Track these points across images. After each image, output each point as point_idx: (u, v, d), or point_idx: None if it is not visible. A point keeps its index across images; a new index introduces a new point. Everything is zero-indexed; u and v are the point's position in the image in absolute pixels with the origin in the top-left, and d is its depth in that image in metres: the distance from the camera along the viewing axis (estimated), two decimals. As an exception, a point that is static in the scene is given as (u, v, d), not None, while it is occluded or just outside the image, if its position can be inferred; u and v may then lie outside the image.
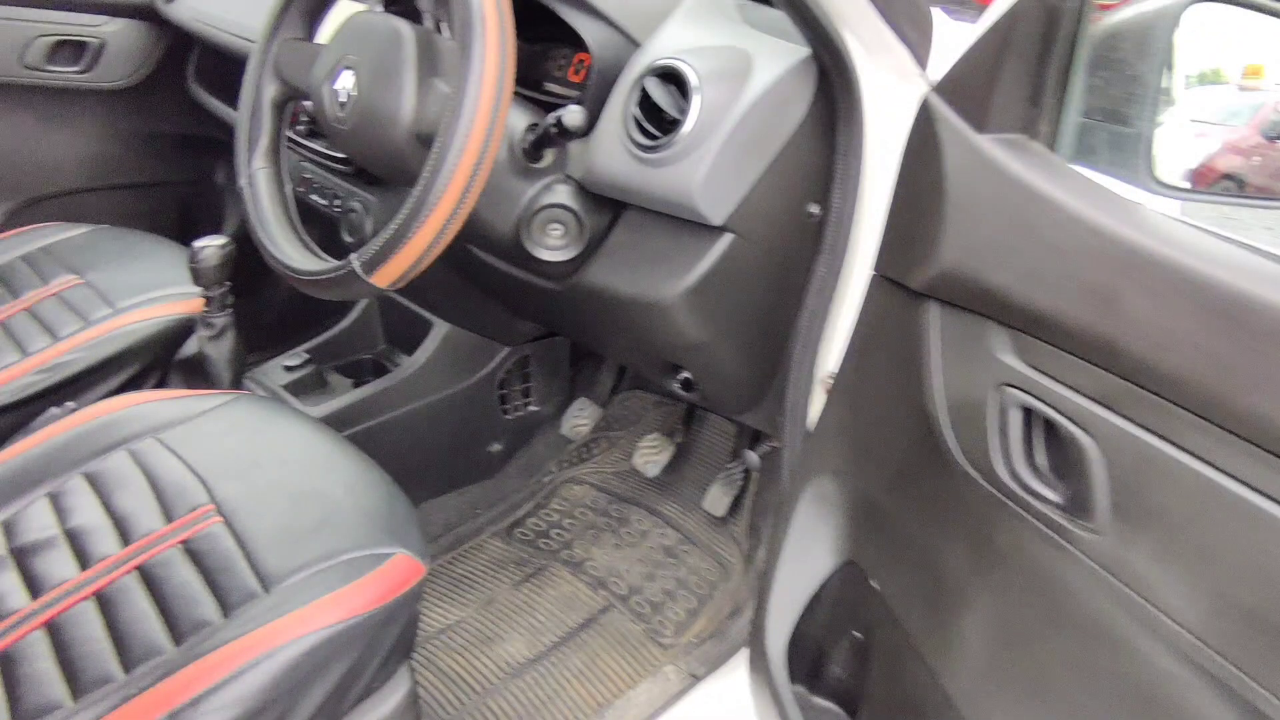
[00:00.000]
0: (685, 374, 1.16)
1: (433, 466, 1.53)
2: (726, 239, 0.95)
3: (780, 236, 0.98)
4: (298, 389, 1.42)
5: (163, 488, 1.01)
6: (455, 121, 0.80)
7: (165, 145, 1.88)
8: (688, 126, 0.90)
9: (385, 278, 0.87)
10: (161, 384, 1.36)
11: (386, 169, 0.97)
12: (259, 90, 1.06)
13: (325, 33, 1.07)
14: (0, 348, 1.33)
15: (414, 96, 0.88)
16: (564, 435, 1.64)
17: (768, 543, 1.35)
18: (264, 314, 1.77)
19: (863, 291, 0.89)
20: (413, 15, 0.96)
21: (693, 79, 0.91)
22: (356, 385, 1.47)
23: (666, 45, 0.97)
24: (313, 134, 1.35)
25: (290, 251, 0.98)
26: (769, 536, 1.23)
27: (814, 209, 0.96)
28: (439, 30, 0.94)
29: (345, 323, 1.57)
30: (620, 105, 0.96)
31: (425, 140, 0.88)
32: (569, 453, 1.65)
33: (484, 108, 0.80)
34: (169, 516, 0.98)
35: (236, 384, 1.34)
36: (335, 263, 0.92)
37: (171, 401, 1.13)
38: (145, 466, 1.04)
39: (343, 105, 0.93)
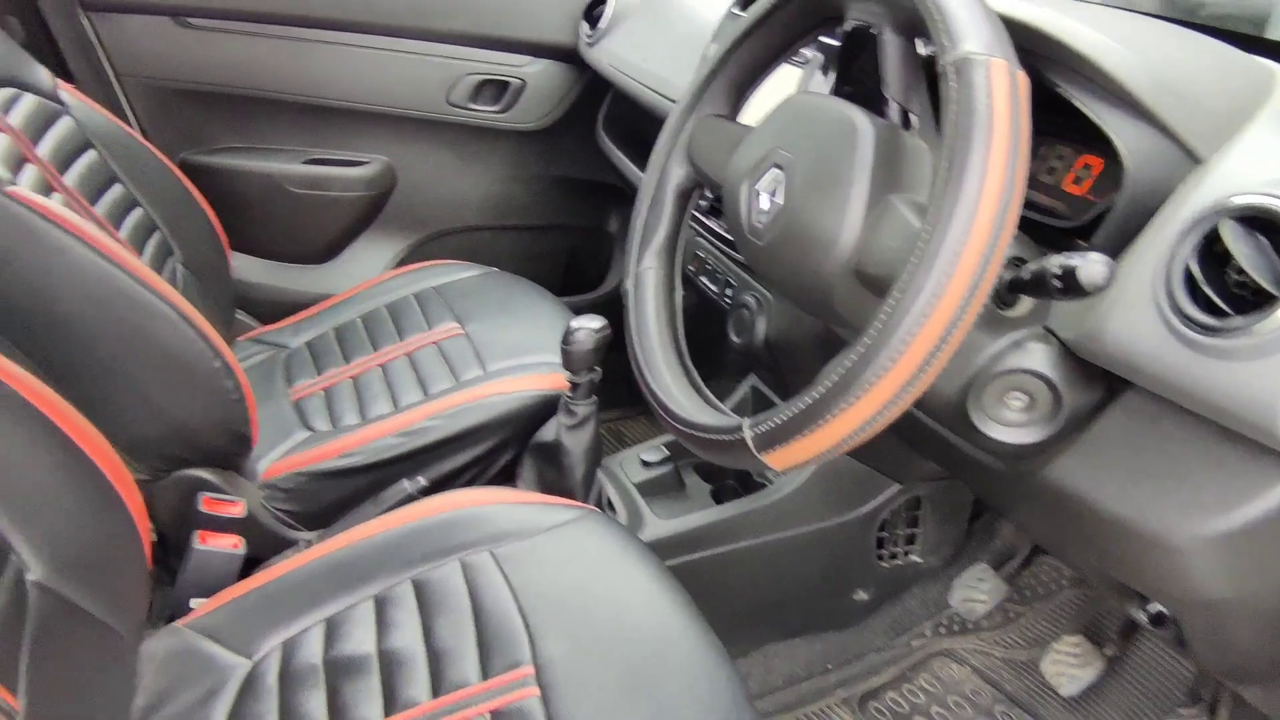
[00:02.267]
0: (1161, 609, 0.81)
1: (786, 605, 1.29)
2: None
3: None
4: (652, 489, 1.25)
5: (485, 623, 0.87)
6: (926, 267, 0.54)
7: (565, 190, 1.83)
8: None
9: (782, 460, 0.64)
10: (515, 462, 1.26)
11: (804, 301, 0.74)
12: (664, 173, 0.88)
13: (753, 112, 0.86)
14: (376, 394, 1.30)
15: (862, 218, 0.64)
16: (951, 606, 1.32)
17: None
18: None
19: None
20: (872, 101, 0.71)
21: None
22: (716, 492, 1.27)
23: (1251, 170, 0.64)
24: (715, 210, 1.16)
25: (670, 383, 0.78)
26: None
27: None
28: (907, 125, 0.69)
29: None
30: (1161, 251, 0.64)
31: (869, 281, 0.64)
32: (949, 616, 1.33)
33: (973, 251, 0.54)
34: (486, 669, 0.84)
35: (589, 478, 1.20)
36: (721, 417, 0.71)
37: (515, 508, 1.00)
38: (474, 588, 0.91)
39: (763, 213, 0.72)
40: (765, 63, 0.83)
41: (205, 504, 1.10)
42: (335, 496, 1.20)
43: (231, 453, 1.16)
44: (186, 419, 1.10)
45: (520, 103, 1.70)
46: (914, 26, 0.65)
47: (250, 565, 1.14)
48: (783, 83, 0.92)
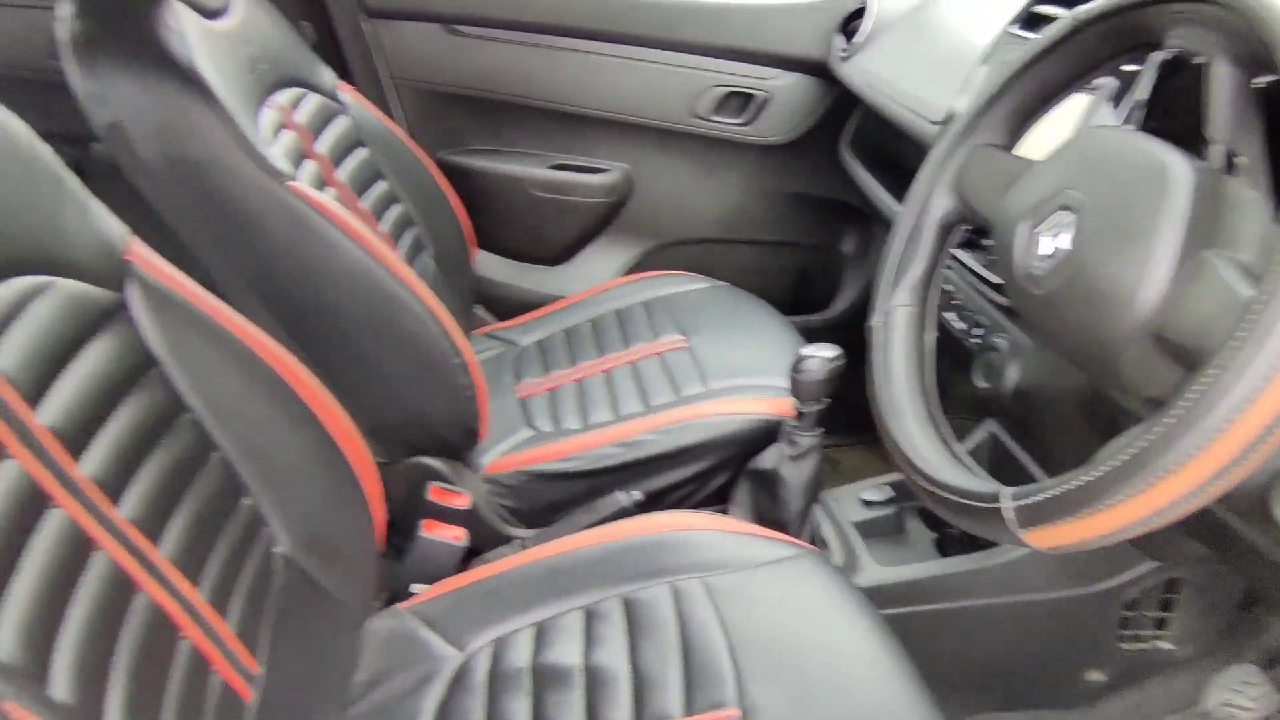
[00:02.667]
0: None
1: (1008, 675, 1.19)
2: None
3: None
4: (871, 531, 1.19)
5: (692, 654, 0.85)
6: (1258, 344, 0.46)
7: (802, 206, 1.78)
8: None
9: (1045, 539, 0.57)
10: (730, 485, 1.23)
11: (1081, 359, 0.66)
12: (927, 204, 0.81)
13: (1035, 143, 0.78)
14: (598, 401, 1.32)
15: (1169, 275, 0.56)
16: (1203, 706, 1.16)
17: None
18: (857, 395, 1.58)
19: None
20: (1182, 139, 0.62)
21: None
22: (940, 542, 1.19)
23: None
24: (971, 244, 1.08)
25: (915, 434, 0.72)
26: None
27: None
28: (1231, 170, 0.60)
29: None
30: None
31: (1173, 350, 0.55)
32: (1200, 716, 1.17)
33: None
34: (689, 703, 0.81)
35: (806, 513, 1.15)
36: (975, 480, 0.64)
37: (729, 538, 0.97)
38: (683, 616, 0.89)
39: (1043, 259, 0.64)
40: (1055, 91, 0.75)
41: (433, 493, 1.15)
42: (553, 498, 1.22)
43: (461, 445, 1.21)
44: (424, 409, 1.15)
45: (764, 116, 1.67)
46: (1257, 58, 0.56)
47: (469, 556, 1.18)
48: (1065, 113, 0.83)
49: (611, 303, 1.56)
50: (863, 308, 0.85)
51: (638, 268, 1.80)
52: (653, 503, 1.20)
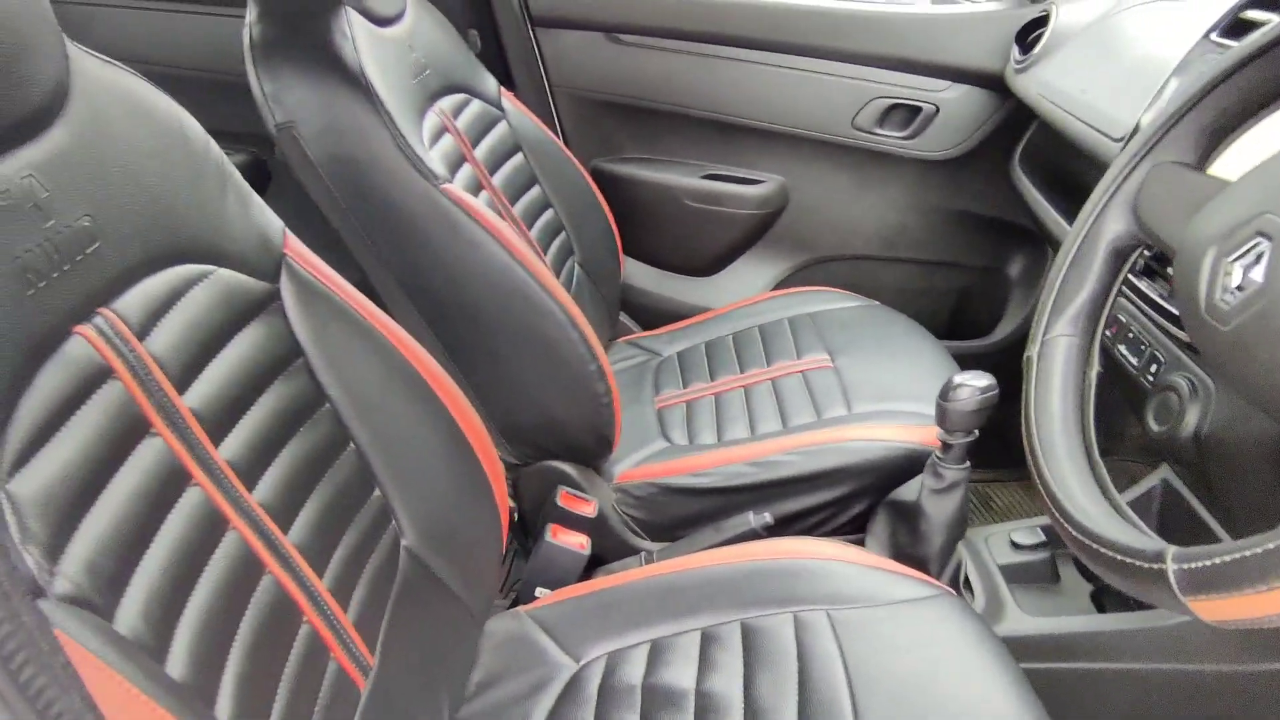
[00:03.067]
0: None
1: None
2: None
3: None
4: (1019, 576, 1.10)
5: (810, 691, 0.81)
6: None
7: (965, 225, 1.69)
8: None
9: (1215, 612, 0.50)
10: (867, 515, 1.17)
11: (1275, 406, 0.58)
12: (1098, 225, 0.74)
13: (1230, 162, 0.70)
14: (735, 417, 1.29)
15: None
16: None
17: None
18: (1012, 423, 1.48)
19: None
20: None
21: None
22: (1097, 595, 1.09)
23: None
24: (1151, 271, 0.98)
25: (1071, 479, 0.65)
26: None
27: None
28: None
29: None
30: None
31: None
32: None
33: None
34: (804, 745, 0.77)
35: (948, 551, 1.08)
36: (1137, 535, 0.57)
37: (861, 571, 0.92)
38: (803, 649, 0.85)
39: (1233, 292, 0.57)
40: (1259, 104, 0.66)
41: (562, 498, 1.15)
42: (681, 513, 1.20)
43: (594, 452, 1.20)
44: (559, 413, 1.16)
45: (930, 129, 1.59)
46: None
47: (593, 564, 1.18)
48: (1268, 129, 0.74)
49: (757, 317, 1.53)
50: (1028, 336, 0.79)
51: (787, 282, 1.76)
52: (783, 526, 1.16)
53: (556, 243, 1.44)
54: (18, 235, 0.54)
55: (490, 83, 1.41)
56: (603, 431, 1.16)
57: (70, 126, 0.61)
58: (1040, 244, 1.65)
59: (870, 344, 1.39)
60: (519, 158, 1.41)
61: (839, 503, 1.16)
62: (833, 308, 1.52)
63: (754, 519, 1.10)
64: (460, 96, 1.31)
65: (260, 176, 1.72)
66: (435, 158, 1.11)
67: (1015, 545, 1.12)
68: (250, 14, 1.06)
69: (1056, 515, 0.64)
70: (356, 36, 1.06)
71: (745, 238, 1.73)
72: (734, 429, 1.26)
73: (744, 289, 1.74)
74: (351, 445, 0.81)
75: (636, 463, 1.24)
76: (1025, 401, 0.72)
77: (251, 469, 0.69)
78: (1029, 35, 1.46)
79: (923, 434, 1.15)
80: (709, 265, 1.77)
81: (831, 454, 1.15)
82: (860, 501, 1.16)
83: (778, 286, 1.76)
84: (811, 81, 1.61)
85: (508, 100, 1.43)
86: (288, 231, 0.80)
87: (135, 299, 0.63)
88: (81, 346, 0.58)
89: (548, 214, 1.44)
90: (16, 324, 0.53)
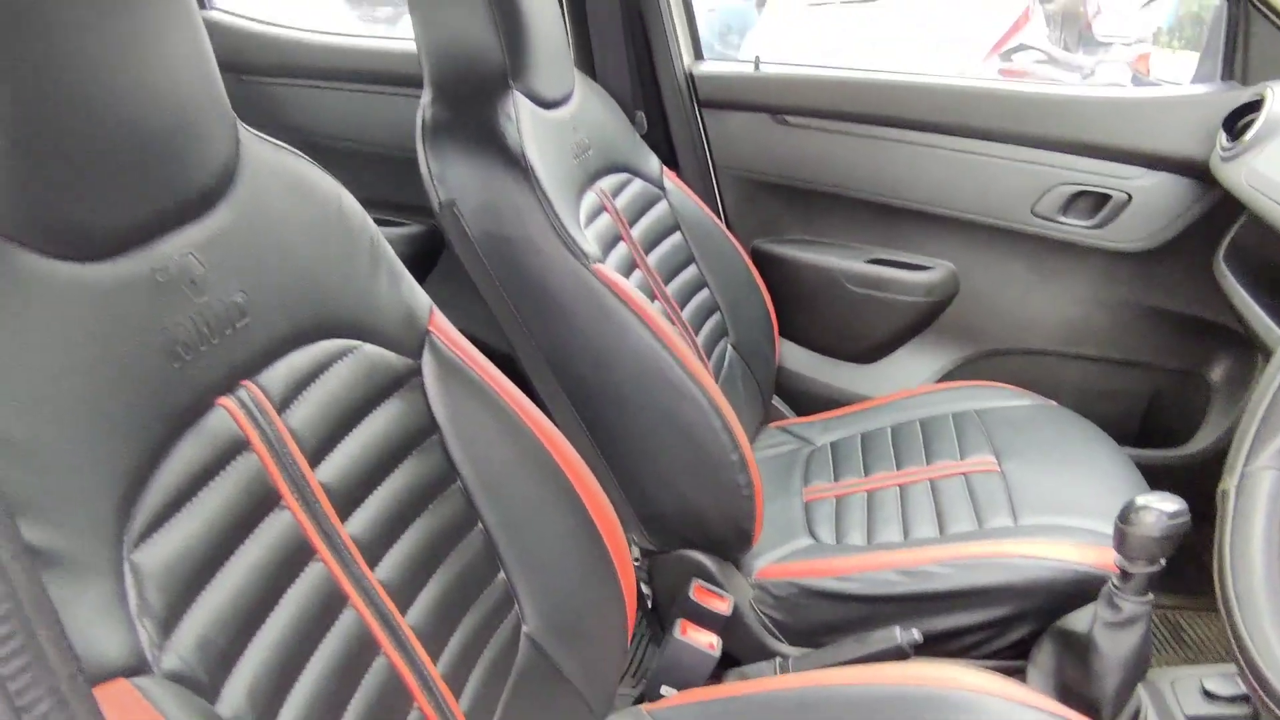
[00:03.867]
0: None
1: None
2: None
3: None
4: (1211, 730, 0.96)
5: None
6: None
7: (1159, 322, 1.54)
8: None
9: None
10: (1029, 642, 1.06)
11: None
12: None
13: None
14: (888, 518, 1.21)
15: None
16: None
17: None
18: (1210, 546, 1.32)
19: None
20: None
21: None
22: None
23: None
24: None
25: (1272, 634, 0.56)
26: None
27: None
28: None
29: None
30: None
31: None
32: None
33: None
34: None
35: (1124, 694, 0.95)
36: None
37: (1021, 711, 0.83)
38: None
39: None
40: None
41: (696, 592, 1.10)
42: (822, 618, 1.12)
43: (732, 544, 1.15)
44: (697, 502, 1.12)
45: (1121, 219, 1.47)
46: None
47: (726, 661, 1.12)
48: None
49: (918, 410, 1.45)
50: (1228, 449, 0.69)
51: (952, 375, 1.66)
52: (933, 646, 1.06)
53: (710, 323, 1.42)
54: (171, 310, 0.56)
55: (653, 162, 1.42)
56: (742, 525, 1.11)
57: (233, 206, 0.64)
58: (1247, 347, 1.48)
59: (1043, 448, 1.28)
60: (677, 236, 1.40)
61: (998, 625, 1.05)
62: (1003, 405, 1.41)
63: (901, 635, 1.02)
64: (621, 176, 1.32)
65: (435, 246, 1.80)
66: (590, 237, 1.12)
67: (1209, 695, 0.98)
68: (425, 97, 1.11)
69: (1254, 682, 0.54)
70: (521, 119, 1.09)
71: (909, 325, 1.65)
72: (886, 531, 1.18)
73: (906, 379, 1.65)
74: (479, 525, 0.80)
75: (778, 559, 1.18)
76: (1219, 543, 0.62)
77: (376, 546, 0.69)
78: (1239, 121, 1.33)
79: (1099, 555, 1.03)
80: (869, 352, 1.69)
81: (992, 569, 1.05)
82: (1022, 626, 1.05)
83: (942, 379, 1.66)
84: (987, 165, 1.53)
85: (669, 179, 1.44)
86: (434, 308, 0.82)
87: (279, 372, 0.65)
88: (221, 418, 0.59)
89: (702, 294, 1.42)
90: (163, 396, 0.55)
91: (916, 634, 1.02)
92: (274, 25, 1.82)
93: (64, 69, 0.50)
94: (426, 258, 1.79)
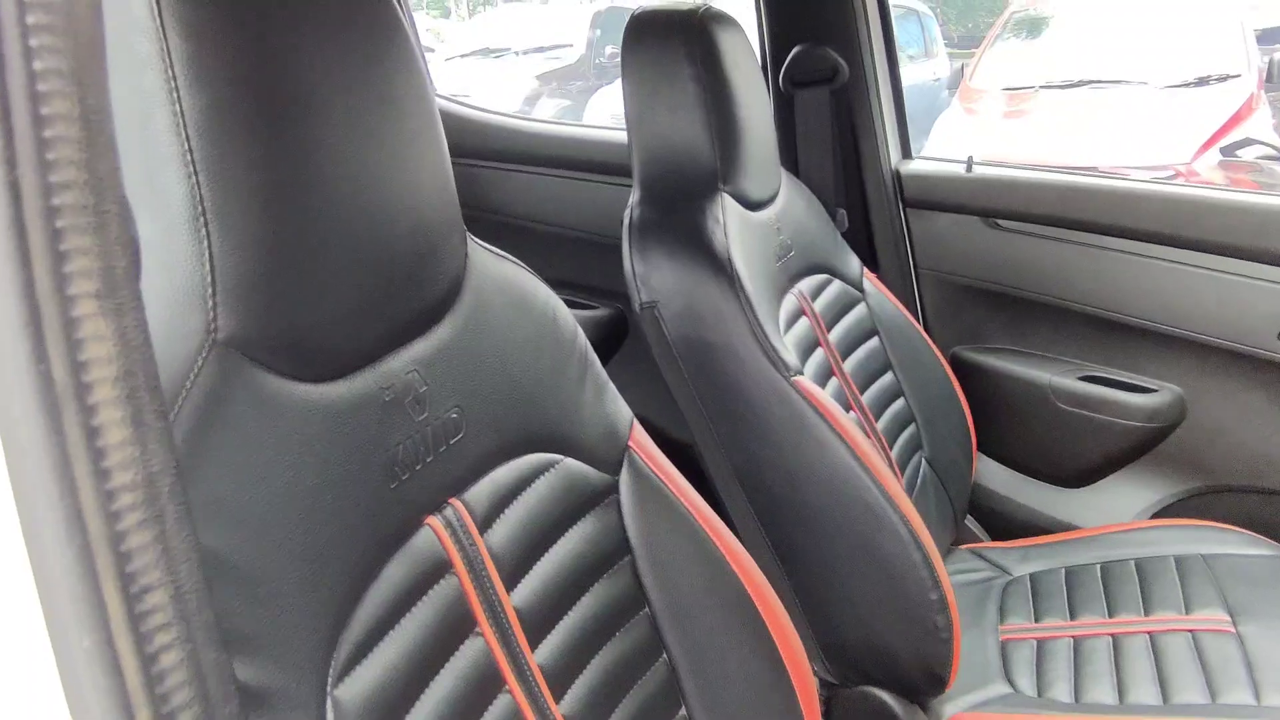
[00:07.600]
0: None
1: None
2: None
3: None
4: None
5: None
6: None
7: None
8: None
9: None
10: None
11: None
12: None
13: None
14: (1099, 673, 1.09)
15: None
16: None
17: None
18: None
19: None
20: None
21: None
22: None
23: None
24: None
25: None
26: None
27: None
28: None
29: None
30: None
31: None
32: None
33: None
34: None
35: None
36: None
37: None
38: None
39: None
40: None
41: (878, 737, 1.02)
42: (1018, 780, 1.01)
43: (922, 687, 1.06)
44: (888, 639, 1.04)
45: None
46: None
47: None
48: None
49: (1133, 548, 1.31)
50: None
51: (1172, 510, 1.49)
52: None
53: (904, 435, 1.34)
54: (394, 429, 0.56)
55: (853, 263, 1.37)
56: (935, 669, 1.02)
57: (456, 320, 0.64)
58: None
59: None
60: (874, 341, 1.34)
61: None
62: (1235, 553, 1.26)
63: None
64: (821, 277, 1.28)
65: (621, 331, 1.80)
66: (789, 344, 1.08)
67: None
68: (633, 196, 1.12)
69: None
70: (728, 222, 1.07)
71: (1125, 452, 1.50)
72: (1096, 689, 1.06)
73: (1118, 511, 1.51)
74: (663, 656, 0.76)
75: (971, 706, 1.08)
76: None
77: (562, 676, 0.66)
78: None
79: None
80: (1078, 477, 1.55)
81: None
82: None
83: (1160, 514, 1.50)
84: (1225, 283, 1.39)
85: (869, 281, 1.38)
86: (635, 423, 0.80)
87: (484, 488, 0.64)
88: (428, 539, 0.58)
89: (898, 403, 1.35)
90: (378, 518, 0.55)
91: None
92: (482, 110, 1.91)
93: (324, 194, 0.50)
94: (613, 341, 1.80)
